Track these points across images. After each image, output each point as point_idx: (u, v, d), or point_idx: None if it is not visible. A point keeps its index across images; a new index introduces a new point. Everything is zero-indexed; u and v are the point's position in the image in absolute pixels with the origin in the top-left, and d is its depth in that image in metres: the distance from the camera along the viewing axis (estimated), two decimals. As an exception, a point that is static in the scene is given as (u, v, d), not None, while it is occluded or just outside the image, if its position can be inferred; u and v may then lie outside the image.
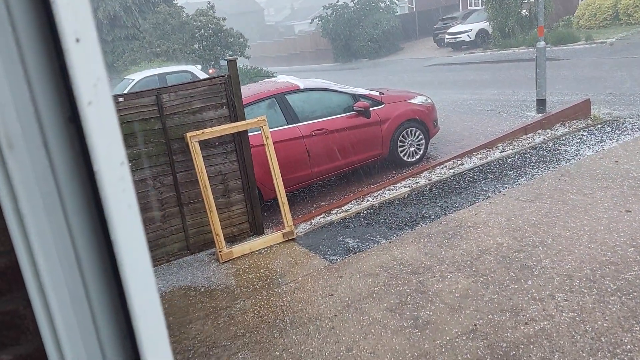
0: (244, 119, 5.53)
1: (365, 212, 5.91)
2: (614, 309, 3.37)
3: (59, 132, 0.41)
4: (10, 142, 0.40)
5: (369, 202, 6.17)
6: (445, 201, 5.79)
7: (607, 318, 3.29)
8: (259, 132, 5.59)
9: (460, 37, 24.25)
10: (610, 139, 6.88)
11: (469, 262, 4.31)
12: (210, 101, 5.42)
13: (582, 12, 21.33)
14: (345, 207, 6.18)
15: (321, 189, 7.03)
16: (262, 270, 4.90)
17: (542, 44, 8.60)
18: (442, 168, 6.88)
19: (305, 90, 6.87)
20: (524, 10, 21.02)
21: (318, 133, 6.64)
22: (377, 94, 7.47)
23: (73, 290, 0.47)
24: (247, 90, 6.80)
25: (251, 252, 5.33)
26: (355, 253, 4.91)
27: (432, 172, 6.79)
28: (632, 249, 4.03)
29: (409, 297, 3.95)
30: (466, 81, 15.22)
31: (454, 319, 3.56)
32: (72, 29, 0.38)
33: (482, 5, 24.59)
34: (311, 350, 3.51)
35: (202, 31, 22.86)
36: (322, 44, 33.85)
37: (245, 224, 5.80)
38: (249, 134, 5.68)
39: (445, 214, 5.43)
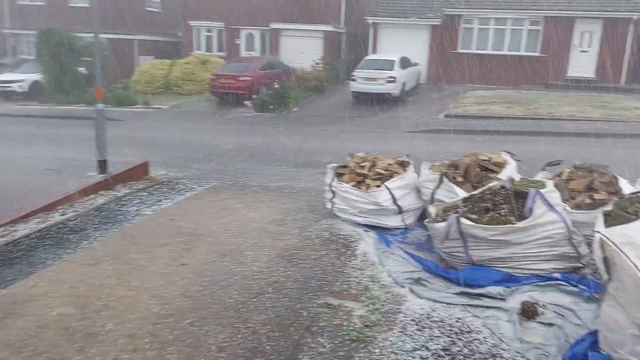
0: None
1: None
2: (173, 358, 3.69)
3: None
4: None
5: None
6: (-4, 275, 5.03)
7: (167, 369, 3.57)
8: None
9: (11, 87, 22.03)
10: (166, 199, 7.65)
11: (26, 341, 3.86)
12: None
13: (138, 78, 23.21)
14: None
15: None
16: None
17: (100, 106, 8.84)
18: (-8, 236, 5.98)
19: None
20: (82, 68, 21.09)
21: None
22: None
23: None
24: None
25: None
26: None
27: (-22, 243, 5.80)
28: (187, 299, 4.56)
29: (-55, 405, 3.19)
30: (21, 136, 13.89)
31: (8, 417, 3.09)
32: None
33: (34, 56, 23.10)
34: None
35: None
36: None
37: None
38: None
39: (-4, 290, 4.71)
